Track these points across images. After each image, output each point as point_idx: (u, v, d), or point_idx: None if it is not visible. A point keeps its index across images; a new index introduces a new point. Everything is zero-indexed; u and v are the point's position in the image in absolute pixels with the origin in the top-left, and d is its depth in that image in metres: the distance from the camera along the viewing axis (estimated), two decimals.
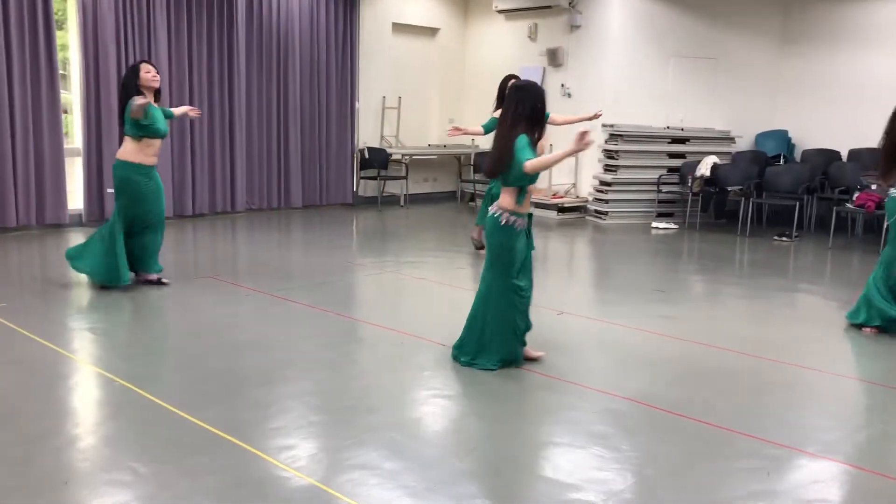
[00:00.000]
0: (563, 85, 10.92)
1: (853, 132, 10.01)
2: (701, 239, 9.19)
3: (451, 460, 3.29)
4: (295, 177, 10.36)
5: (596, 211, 10.42)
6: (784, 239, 8.93)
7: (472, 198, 11.60)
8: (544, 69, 11.13)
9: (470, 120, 12.23)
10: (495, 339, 4.33)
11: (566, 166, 10.75)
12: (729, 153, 10.43)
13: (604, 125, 10.38)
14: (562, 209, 10.45)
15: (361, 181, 11.14)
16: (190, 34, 9.12)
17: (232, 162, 9.68)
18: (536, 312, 4.66)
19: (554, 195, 10.61)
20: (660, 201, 10.18)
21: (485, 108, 12.08)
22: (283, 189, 10.34)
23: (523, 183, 4.21)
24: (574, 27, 10.67)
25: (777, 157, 10.26)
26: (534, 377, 4.29)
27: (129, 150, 5.69)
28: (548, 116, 6.17)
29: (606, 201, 10.18)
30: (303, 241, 8.90)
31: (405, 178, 11.12)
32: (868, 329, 5.26)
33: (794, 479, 3.25)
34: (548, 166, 4.33)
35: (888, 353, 5.00)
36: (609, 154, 10.28)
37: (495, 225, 4.26)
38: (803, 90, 10.55)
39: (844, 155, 10.10)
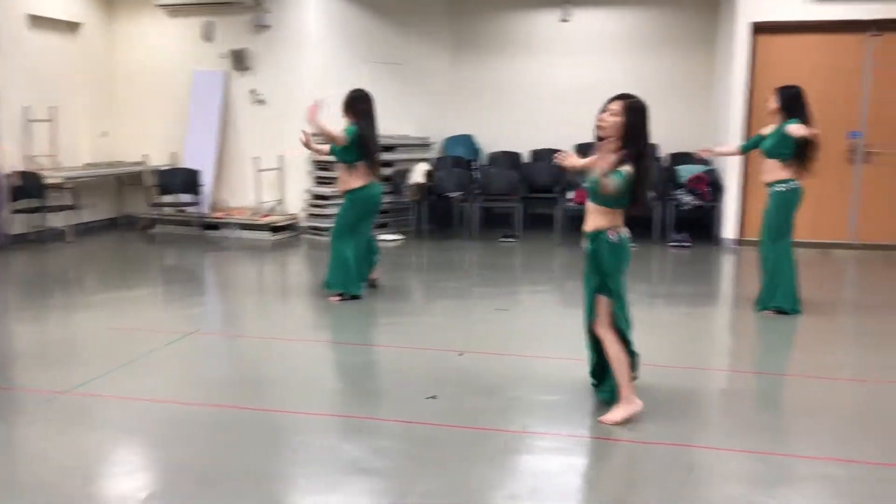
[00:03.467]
0: (252, 91, 9.85)
1: (532, 135, 10.85)
2: (434, 247, 9.09)
3: None
4: None
5: (312, 227, 9.64)
6: (510, 239, 9.29)
7: (153, 223, 9.86)
8: (226, 73, 9.92)
9: (125, 133, 10.43)
10: None
11: (269, 180, 9.78)
12: (427, 159, 10.49)
13: (314, 135, 9.61)
14: (275, 228, 9.46)
15: (14, 215, 8.70)
16: None
17: None
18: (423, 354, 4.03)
19: (264, 214, 9.55)
20: (380, 212, 9.81)
21: (145, 117, 10.35)
22: None
23: None
24: (262, 27, 9.67)
25: (470, 162, 10.63)
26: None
27: None
28: None
29: (326, 216, 9.48)
30: (12, 306, 6.55)
31: (73, 207, 8.98)
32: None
33: None
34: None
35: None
36: (322, 165, 9.58)
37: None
38: (480, 96, 11.07)
39: (526, 156, 10.90)
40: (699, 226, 9.33)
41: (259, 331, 5.79)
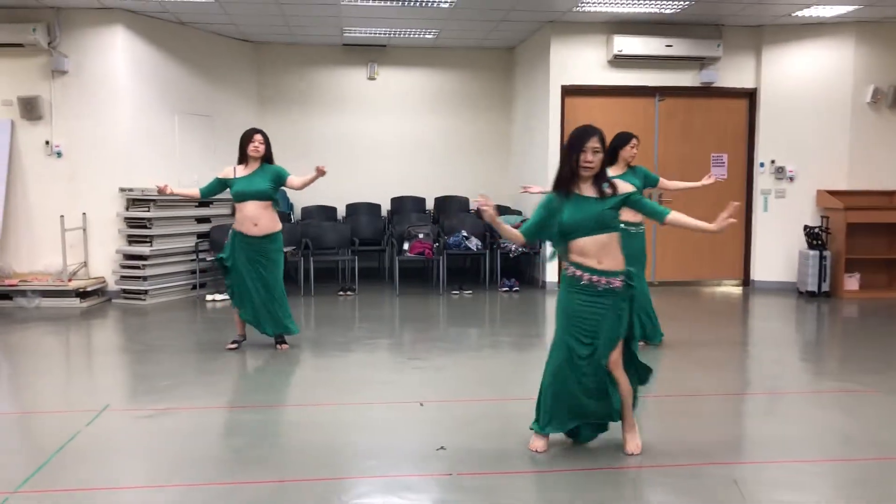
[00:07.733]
0: (48, 142, 8.80)
1: (345, 189, 10.87)
2: None
3: None
4: None
5: (125, 291, 8.73)
6: (349, 293, 9.17)
7: None
8: (13, 122, 8.77)
9: None
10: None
11: (69, 241, 8.72)
12: None
13: (122, 189, 8.82)
14: (83, 294, 8.44)
15: None
16: None
17: None
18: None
19: (68, 279, 8.48)
20: (201, 270, 9.17)
21: None
22: None
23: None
24: (58, 72, 8.72)
25: (287, 216, 10.36)
26: None
27: None
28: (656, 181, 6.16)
29: (144, 278, 8.65)
30: None
31: None
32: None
33: None
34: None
35: None
36: (137, 223, 8.76)
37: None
38: (290, 149, 10.83)
39: (342, 210, 10.86)
40: (518, 271, 9.95)
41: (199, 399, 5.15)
